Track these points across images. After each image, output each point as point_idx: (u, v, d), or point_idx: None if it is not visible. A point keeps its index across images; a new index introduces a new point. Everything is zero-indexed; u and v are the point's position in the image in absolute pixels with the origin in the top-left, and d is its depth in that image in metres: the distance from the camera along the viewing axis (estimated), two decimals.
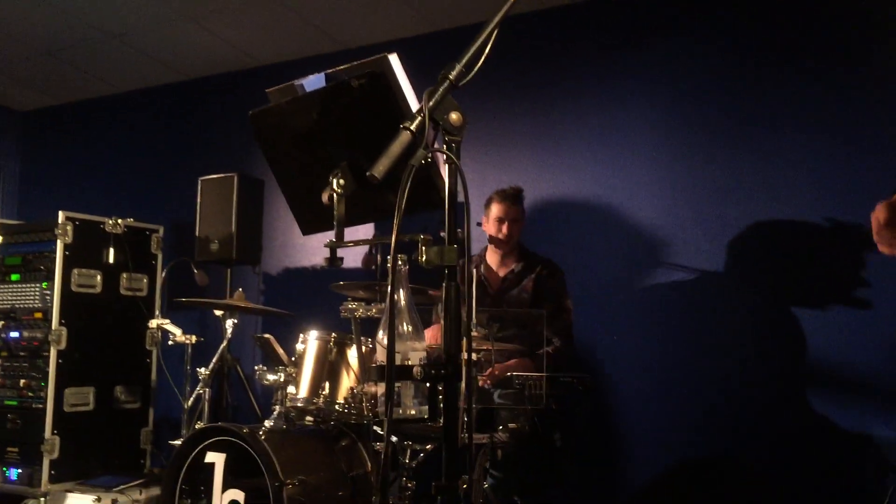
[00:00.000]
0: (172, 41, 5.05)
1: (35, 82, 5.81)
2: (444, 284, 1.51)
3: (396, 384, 1.51)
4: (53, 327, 4.32)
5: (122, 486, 4.09)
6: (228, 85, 5.53)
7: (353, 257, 4.46)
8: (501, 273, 3.86)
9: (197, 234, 4.73)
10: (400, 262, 1.65)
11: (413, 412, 1.52)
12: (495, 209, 3.79)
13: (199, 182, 4.79)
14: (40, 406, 4.29)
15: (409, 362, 1.52)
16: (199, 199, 4.78)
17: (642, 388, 4.03)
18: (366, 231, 3.39)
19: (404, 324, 1.56)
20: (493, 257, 3.91)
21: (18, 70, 5.55)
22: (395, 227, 1.46)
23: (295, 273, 5.12)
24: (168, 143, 5.76)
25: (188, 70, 5.52)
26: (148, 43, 5.08)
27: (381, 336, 1.67)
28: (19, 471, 4.28)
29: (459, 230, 1.58)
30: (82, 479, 4.30)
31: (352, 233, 2.06)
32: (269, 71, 5.32)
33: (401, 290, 1.60)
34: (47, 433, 4.24)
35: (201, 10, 4.63)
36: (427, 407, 1.51)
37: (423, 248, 1.50)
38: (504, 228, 3.77)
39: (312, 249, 5.05)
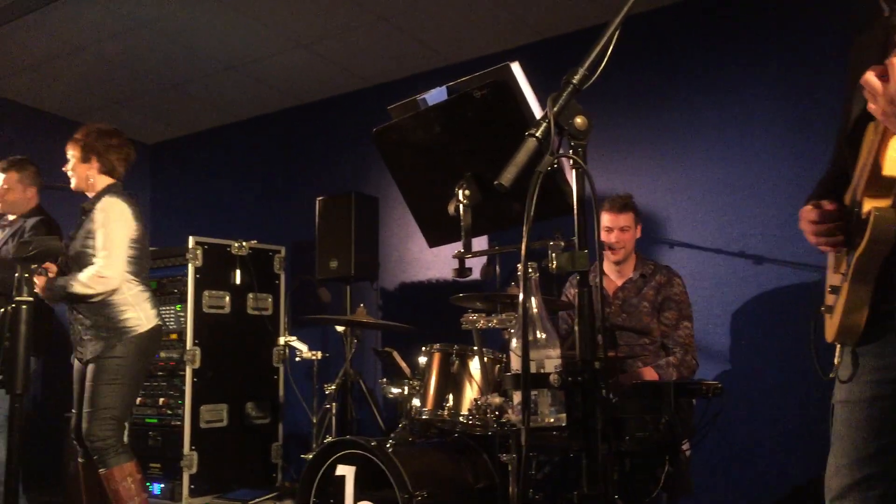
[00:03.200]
0: (285, 68, 5.24)
1: (161, 115, 6.14)
2: (576, 290, 1.49)
3: (532, 392, 1.49)
4: (188, 347, 4.53)
5: (256, 500, 4.23)
6: (339, 107, 5.68)
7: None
8: (619, 282, 3.79)
9: (317, 252, 4.86)
10: (530, 270, 1.64)
11: (551, 420, 1.50)
12: (604, 218, 3.72)
13: (317, 202, 4.92)
14: (178, 423, 4.50)
15: (545, 370, 1.51)
16: (317, 219, 4.91)
17: (774, 395, 3.86)
18: (478, 243, 3.40)
19: (538, 331, 1.55)
20: (608, 266, 3.84)
21: (146, 104, 5.88)
22: (524, 235, 1.45)
23: (411, 287, 5.19)
24: (285, 166, 5.97)
25: (301, 95, 5.71)
26: (263, 71, 5.29)
27: (515, 344, 1.66)
28: (162, 485, 4.50)
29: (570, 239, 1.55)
30: (219, 493, 4.49)
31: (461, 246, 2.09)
32: (378, 91, 5.44)
33: (532, 298, 1.59)
34: (186, 449, 4.44)
35: (311, 36, 4.78)
36: (565, 415, 1.49)
37: (554, 254, 1.48)
38: (612, 237, 3.69)
39: (427, 263, 5.11)
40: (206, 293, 4.67)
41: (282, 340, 4.57)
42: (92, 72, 5.27)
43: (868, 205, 1.52)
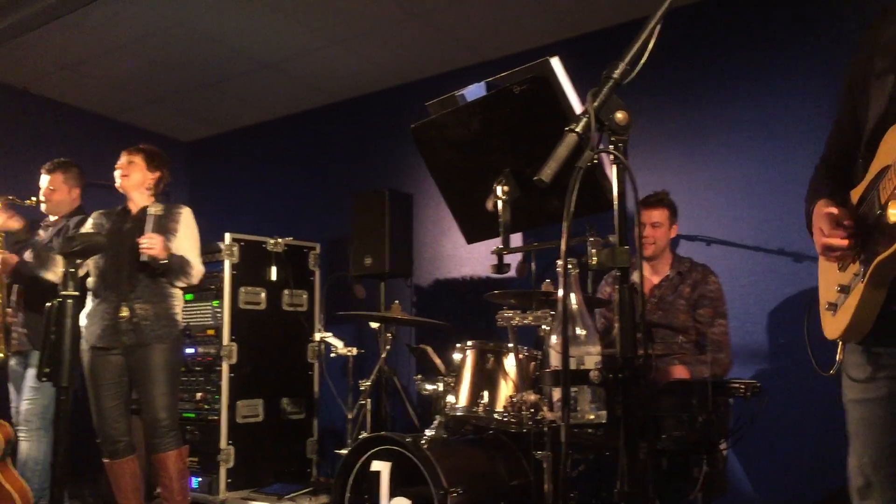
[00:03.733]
0: (321, 66, 5.26)
1: (198, 113, 6.21)
2: (612, 288, 1.48)
3: (573, 389, 1.49)
4: (224, 343, 4.58)
5: (293, 494, 4.27)
6: (374, 104, 5.70)
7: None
8: (655, 280, 3.76)
9: (351, 249, 4.88)
10: (570, 266, 1.63)
11: (592, 417, 1.49)
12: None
13: (352, 199, 4.94)
14: (215, 418, 4.55)
15: (585, 366, 1.50)
16: (352, 216, 4.93)
17: (813, 394, 3.80)
18: (514, 239, 3.39)
19: (578, 328, 1.54)
20: (643, 264, 3.81)
21: (184, 102, 5.95)
22: (564, 231, 1.44)
23: (445, 284, 5.20)
24: (320, 163, 6.00)
25: (336, 92, 5.73)
26: (299, 69, 5.32)
27: (555, 341, 1.65)
28: (199, 479, 4.55)
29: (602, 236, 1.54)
30: (256, 487, 4.53)
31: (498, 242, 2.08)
32: (412, 88, 5.45)
33: (572, 294, 1.58)
34: (223, 443, 4.49)
35: (346, 34, 4.80)
36: (605, 412, 1.48)
37: (594, 250, 1.47)
38: (644, 232, 3.66)
39: (461, 260, 5.11)
40: (242, 289, 4.72)
41: (317, 336, 4.59)
42: (130, 70, 5.34)
43: None
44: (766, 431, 3.77)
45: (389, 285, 4.98)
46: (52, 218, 4.32)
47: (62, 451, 1.78)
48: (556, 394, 1.68)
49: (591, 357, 1.51)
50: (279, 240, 4.93)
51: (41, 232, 4.38)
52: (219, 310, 4.67)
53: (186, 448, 3.72)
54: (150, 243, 3.50)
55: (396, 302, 4.11)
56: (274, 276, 4.89)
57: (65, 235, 4.10)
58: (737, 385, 3.00)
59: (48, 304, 1.71)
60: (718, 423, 3.20)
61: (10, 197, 4.28)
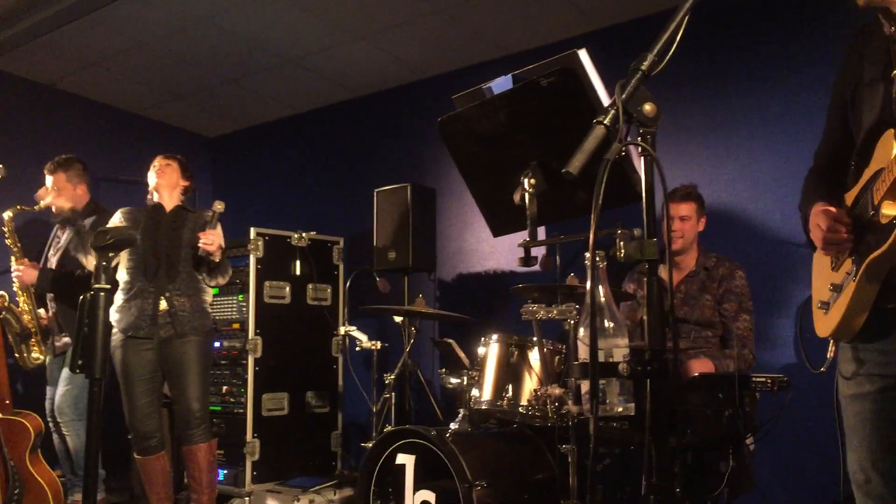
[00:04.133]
0: (344, 61, 5.28)
1: (221, 109, 6.25)
2: (635, 284, 1.48)
3: (601, 381, 1.49)
4: (250, 337, 4.61)
5: (317, 487, 4.29)
6: (396, 99, 5.71)
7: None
8: (680, 274, 3.73)
9: (374, 243, 4.90)
10: (598, 259, 1.63)
11: (620, 409, 1.49)
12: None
13: (375, 194, 4.95)
14: (241, 411, 4.59)
15: (613, 359, 1.50)
16: (375, 210, 4.94)
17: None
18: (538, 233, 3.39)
19: (606, 320, 1.53)
20: (672, 257, 3.79)
21: (207, 98, 6.00)
22: (592, 223, 1.44)
23: (469, 278, 5.20)
24: (343, 158, 6.02)
25: (359, 88, 5.75)
26: (322, 65, 5.34)
27: (583, 333, 1.65)
28: (225, 471, 4.60)
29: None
30: (281, 480, 4.57)
31: (524, 236, 2.08)
32: (435, 82, 5.45)
33: (600, 287, 1.57)
34: (248, 436, 4.53)
35: (370, 29, 4.81)
36: (633, 404, 1.48)
37: (622, 243, 1.47)
38: (674, 227, 3.63)
39: (484, 254, 5.11)
40: (266, 283, 4.75)
41: (342, 330, 4.62)
42: (155, 67, 5.39)
43: (889, 209, 1.57)
44: (795, 427, 3.75)
45: (413, 279, 4.99)
46: (66, 216, 4.38)
47: (94, 442, 1.81)
48: (585, 386, 1.67)
49: (619, 349, 1.51)
50: (303, 234, 4.95)
51: (59, 232, 4.45)
52: (244, 304, 4.70)
53: (216, 441, 3.79)
54: (213, 240, 3.64)
55: (420, 296, 4.13)
56: (298, 271, 4.91)
57: (84, 231, 4.16)
58: (763, 379, 2.98)
59: (81, 297, 1.74)
60: (745, 418, 3.18)
61: (19, 206, 4.37)
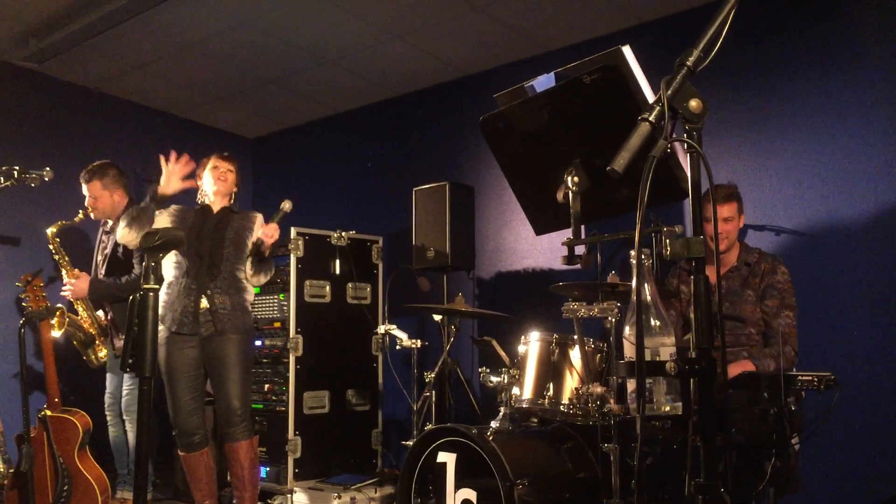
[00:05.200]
0: (380, 60, 5.30)
1: (261, 110, 6.32)
2: (678, 280, 1.46)
3: (647, 380, 1.47)
4: (291, 335, 4.66)
5: (358, 484, 4.32)
6: (434, 97, 5.71)
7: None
8: (722, 271, 3.68)
9: (413, 242, 4.91)
10: (643, 257, 1.61)
11: (667, 408, 1.47)
12: (706, 208, 3.63)
13: (414, 192, 4.96)
14: (283, 409, 4.64)
15: (660, 358, 1.48)
16: (413, 209, 4.95)
17: (888, 386, 3.69)
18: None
19: (652, 318, 1.52)
20: (711, 257, 3.74)
21: (247, 100, 6.06)
22: (638, 221, 1.43)
23: (508, 276, 5.19)
24: (382, 157, 6.05)
25: (397, 87, 5.77)
26: (360, 64, 5.37)
27: (629, 332, 1.63)
28: (267, 469, 4.65)
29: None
30: (322, 477, 4.60)
31: (564, 234, 2.07)
32: (472, 80, 5.45)
33: (646, 285, 1.56)
34: (290, 434, 4.57)
35: (405, 28, 4.82)
36: (680, 404, 1.47)
37: (668, 240, 1.45)
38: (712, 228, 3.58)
39: (524, 252, 5.09)
40: (307, 282, 4.79)
41: (381, 329, 4.64)
42: (196, 69, 5.46)
43: None
44: (843, 426, 3.68)
45: (452, 278, 4.99)
46: (110, 222, 4.48)
47: (145, 439, 1.84)
48: (630, 385, 1.66)
49: (665, 348, 1.50)
50: (343, 233, 4.98)
51: (104, 237, 4.54)
52: (285, 303, 4.75)
53: (257, 438, 3.82)
54: (272, 233, 3.74)
55: (460, 294, 4.13)
56: (338, 270, 4.95)
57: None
58: (809, 377, 2.93)
59: (131, 298, 1.77)
60: (790, 417, 3.13)
61: (61, 222, 4.48)
